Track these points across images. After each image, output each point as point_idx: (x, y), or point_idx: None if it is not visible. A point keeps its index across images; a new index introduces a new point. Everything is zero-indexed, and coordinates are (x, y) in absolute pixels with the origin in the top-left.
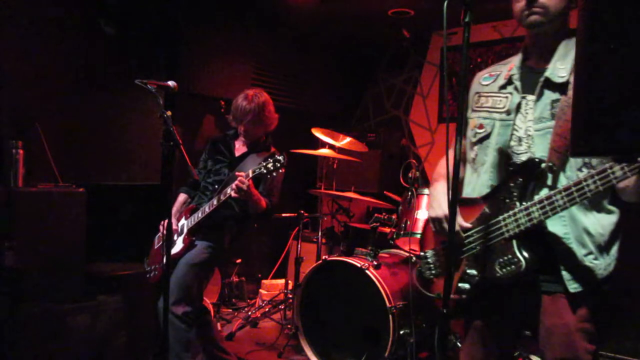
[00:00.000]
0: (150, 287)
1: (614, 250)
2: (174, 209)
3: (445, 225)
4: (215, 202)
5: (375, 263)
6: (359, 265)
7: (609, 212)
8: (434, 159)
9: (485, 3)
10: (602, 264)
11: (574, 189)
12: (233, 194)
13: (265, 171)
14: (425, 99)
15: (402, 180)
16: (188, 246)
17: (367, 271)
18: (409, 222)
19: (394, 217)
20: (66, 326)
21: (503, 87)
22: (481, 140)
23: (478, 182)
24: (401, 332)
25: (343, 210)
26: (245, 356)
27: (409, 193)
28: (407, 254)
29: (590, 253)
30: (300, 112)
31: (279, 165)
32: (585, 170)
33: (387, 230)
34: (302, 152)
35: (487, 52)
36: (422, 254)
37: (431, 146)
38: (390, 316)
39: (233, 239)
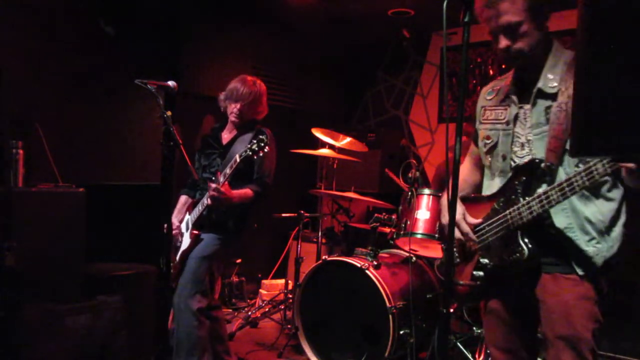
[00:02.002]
0: (152, 286)
1: (615, 233)
2: (176, 211)
3: (457, 229)
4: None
5: (375, 263)
6: (359, 265)
7: (608, 199)
8: (434, 159)
9: None
10: (604, 247)
11: (565, 184)
12: (208, 202)
13: (250, 153)
14: (425, 99)
15: (402, 181)
16: (194, 240)
17: (367, 271)
18: (409, 222)
19: (394, 217)
20: (66, 326)
21: (503, 100)
22: (490, 150)
23: (493, 185)
24: (401, 332)
25: (343, 210)
26: (245, 356)
27: (409, 193)
28: (407, 254)
29: (593, 238)
30: (300, 112)
31: (262, 144)
32: (581, 166)
33: (387, 230)
34: (302, 152)
35: (487, 52)
36: (444, 246)
37: (431, 146)
38: (390, 316)
39: (238, 222)
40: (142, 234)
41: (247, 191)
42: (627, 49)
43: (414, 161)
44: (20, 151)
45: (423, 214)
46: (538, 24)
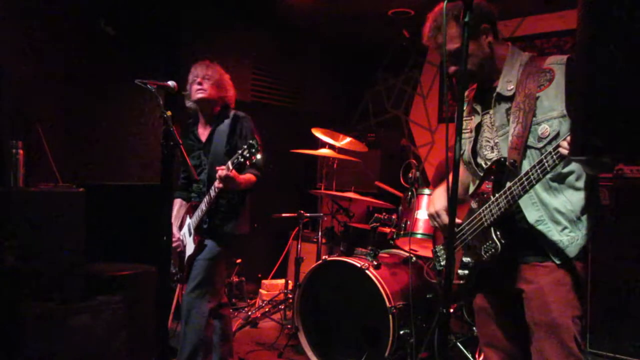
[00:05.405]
0: (152, 286)
1: (588, 220)
2: (173, 217)
3: (439, 220)
4: (207, 199)
5: (375, 263)
6: (359, 265)
7: (577, 189)
8: (434, 159)
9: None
10: (578, 235)
11: (524, 178)
12: (217, 184)
13: (242, 160)
14: (425, 99)
15: (402, 181)
16: (199, 246)
17: (367, 271)
18: (409, 222)
19: (394, 217)
20: (66, 326)
21: (470, 110)
22: (461, 157)
23: (473, 188)
24: (401, 332)
25: (343, 210)
26: (245, 356)
27: (409, 193)
28: (407, 254)
29: (566, 228)
30: (300, 112)
31: (254, 150)
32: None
33: (387, 230)
34: (302, 152)
35: None
36: (433, 249)
37: (431, 146)
38: (390, 316)
39: (237, 220)
40: (142, 234)
41: (250, 176)
42: (628, 48)
43: (414, 161)
44: (20, 151)
45: (423, 214)
46: (479, 43)
